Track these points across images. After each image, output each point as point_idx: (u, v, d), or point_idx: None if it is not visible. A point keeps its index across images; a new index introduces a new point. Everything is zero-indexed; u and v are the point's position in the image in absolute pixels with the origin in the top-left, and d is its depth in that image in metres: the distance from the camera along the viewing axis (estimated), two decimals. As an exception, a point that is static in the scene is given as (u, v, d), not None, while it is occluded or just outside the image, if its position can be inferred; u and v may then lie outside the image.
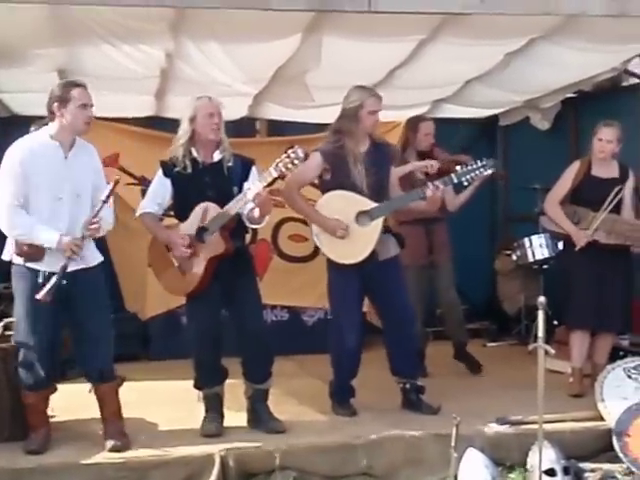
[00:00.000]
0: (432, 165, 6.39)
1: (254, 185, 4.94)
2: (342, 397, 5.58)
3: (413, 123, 6.96)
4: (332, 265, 5.49)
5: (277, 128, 8.48)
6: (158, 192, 5.27)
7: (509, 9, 4.95)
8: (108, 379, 4.96)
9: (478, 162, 5.45)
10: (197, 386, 5.34)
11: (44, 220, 4.68)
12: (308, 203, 5.68)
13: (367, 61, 6.21)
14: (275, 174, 4.90)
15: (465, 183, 5.56)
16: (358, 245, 5.36)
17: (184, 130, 5.16)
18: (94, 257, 4.90)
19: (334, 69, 6.31)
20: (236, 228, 5.15)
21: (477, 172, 5.44)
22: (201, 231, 5.11)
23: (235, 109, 7.75)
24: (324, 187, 5.53)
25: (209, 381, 5.27)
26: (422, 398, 5.60)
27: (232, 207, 5.01)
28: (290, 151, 4.88)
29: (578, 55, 6.22)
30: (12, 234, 4.74)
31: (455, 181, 5.48)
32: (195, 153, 5.18)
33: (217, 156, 5.19)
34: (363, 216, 5.35)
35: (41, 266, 4.71)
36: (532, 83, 7.19)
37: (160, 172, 5.24)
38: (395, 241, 5.57)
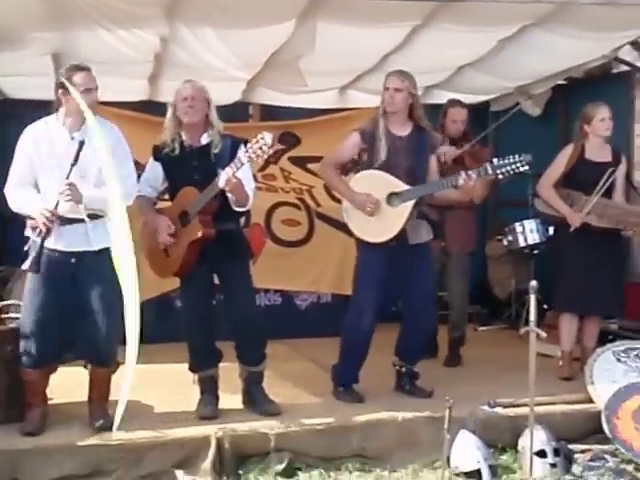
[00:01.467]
0: (445, 153, 6.33)
1: (224, 172, 4.91)
2: (347, 381, 5.57)
3: (444, 108, 6.85)
4: (360, 243, 5.50)
5: (270, 113, 8.50)
6: (150, 175, 5.36)
7: (502, -4, 5.00)
8: (107, 364, 5.00)
9: (516, 156, 5.20)
10: (192, 369, 5.38)
11: (48, 200, 4.71)
12: (341, 178, 5.70)
13: (361, 46, 6.24)
14: (245, 160, 4.85)
15: (500, 176, 5.26)
16: (385, 225, 5.35)
17: (169, 114, 5.25)
18: (99, 241, 4.83)
19: (328, 54, 6.33)
20: (225, 211, 5.13)
21: (514, 166, 5.18)
22: (184, 215, 5.17)
23: (228, 94, 7.78)
24: (361, 167, 5.54)
25: (203, 364, 5.32)
26: (416, 383, 5.64)
27: (207, 192, 5.04)
28: (259, 136, 4.80)
29: (569, 42, 6.27)
30: (15, 210, 4.84)
31: (490, 172, 5.23)
32: (184, 136, 5.23)
33: (205, 140, 5.22)
34: (394, 197, 5.34)
35: (48, 242, 4.72)
36: (524, 70, 7.23)
37: (151, 157, 5.32)
38: (429, 228, 5.56)
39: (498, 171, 5.22)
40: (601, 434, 5.11)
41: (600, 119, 6.08)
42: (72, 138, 4.82)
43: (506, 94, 8.40)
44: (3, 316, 5.35)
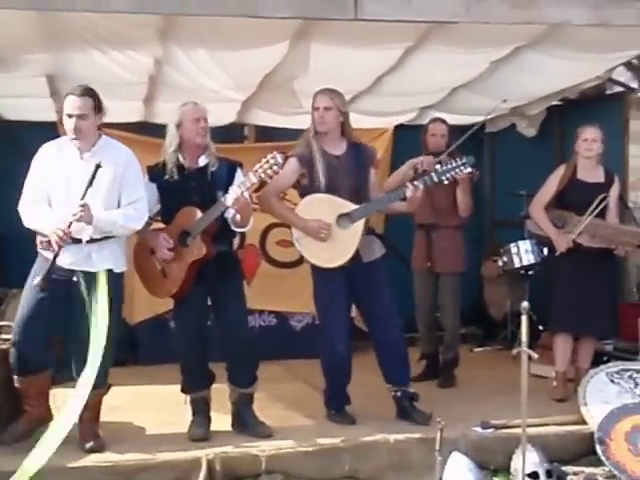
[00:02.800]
0: (422, 162, 6.42)
1: (233, 190, 4.95)
2: (338, 404, 5.54)
3: (426, 125, 6.96)
4: (316, 270, 5.46)
5: (266, 134, 8.51)
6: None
7: (493, 18, 4.98)
8: (98, 385, 4.92)
9: (458, 160, 5.36)
10: (184, 390, 5.36)
11: (60, 219, 4.74)
12: (287, 207, 5.68)
13: (354, 68, 6.26)
14: (254, 179, 4.90)
15: (445, 182, 5.39)
16: (340, 248, 5.31)
17: (172, 136, 5.22)
18: (100, 262, 4.87)
19: (322, 76, 6.31)
20: (222, 232, 5.17)
21: (457, 170, 5.32)
22: (184, 235, 5.16)
23: (224, 115, 7.80)
24: (302, 192, 5.51)
25: (196, 385, 5.30)
26: (415, 405, 5.53)
27: (212, 212, 5.05)
28: (269, 156, 4.88)
29: (563, 63, 6.28)
30: (28, 226, 4.89)
31: (435, 180, 5.33)
32: (181, 159, 5.24)
33: (202, 161, 5.25)
34: (344, 219, 5.31)
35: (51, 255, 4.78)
36: (518, 91, 7.25)
37: (146, 177, 5.29)
38: (379, 242, 5.54)
39: (443, 177, 5.33)
40: (594, 456, 5.09)
41: (583, 139, 6.10)
42: (82, 159, 4.86)
43: (501, 115, 8.40)
44: (3, 336, 5.34)
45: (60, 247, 4.68)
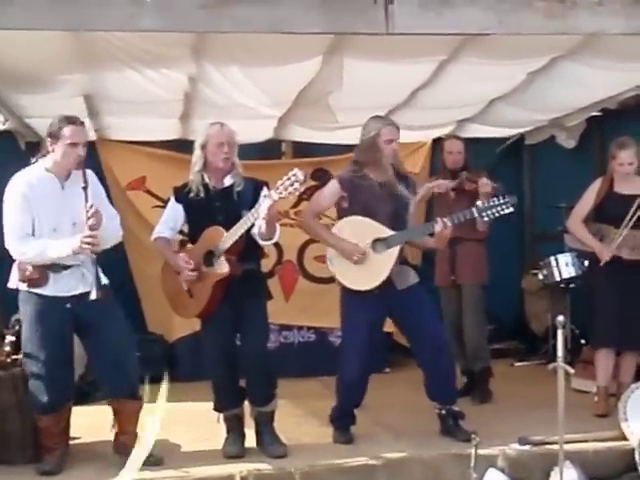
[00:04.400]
0: (439, 185, 6.44)
1: (266, 199, 4.91)
2: (342, 424, 5.48)
3: (441, 142, 6.99)
4: (345, 291, 5.43)
5: (303, 149, 8.53)
6: (170, 217, 5.36)
7: (527, 29, 4.94)
8: (135, 396, 4.99)
9: (500, 199, 5.31)
10: (216, 408, 5.36)
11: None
12: (325, 227, 5.67)
13: (389, 82, 6.24)
14: (276, 197, 4.86)
15: (485, 219, 5.39)
16: (372, 272, 5.28)
17: (197, 156, 5.23)
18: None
19: (357, 90, 6.34)
20: (248, 250, 5.14)
21: (498, 209, 5.29)
22: (209, 255, 5.16)
23: (261, 131, 7.84)
24: (341, 214, 5.49)
25: (227, 404, 5.30)
26: (460, 424, 5.46)
27: (237, 229, 5.03)
28: (290, 173, 4.84)
29: (601, 74, 6.20)
30: (25, 260, 4.81)
31: (475, 216, 5.35)
32: (207, 179, 5.24)
33: (228, 181, 5.25)
34: (379, 243, 5.29)
35: (44, 290, 4.80)
36: (556, 102, 7.17)
37: (172, 198, 5.33)
38: (414, 271, 5.50)
39: (484, 214, 5.31)
40: (634, 472, 5.00)
41: (619, 164, 6.04)
42: (62, 188, 4.87)
43: (540, 127, 8.33)
44: (15, 357, 5.33)
45: (94, 253, 4.69)
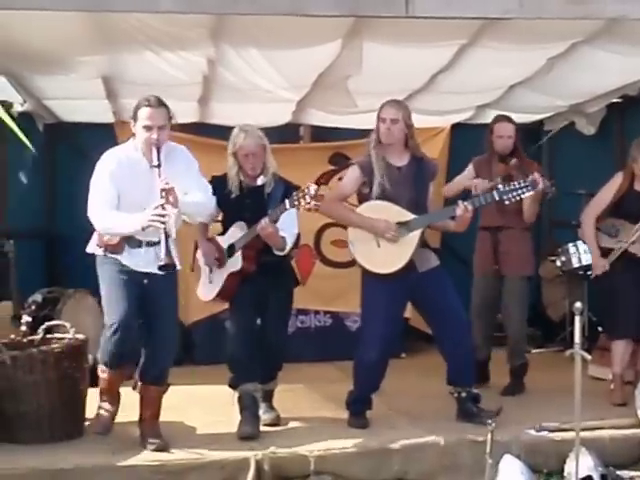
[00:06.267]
0: (476, 186, 6.25)
1: (263, 220, 5.18)
2: (358, 409, 5.47)
3: (490, 125, 6.60)
4: (366, 275, 5.41)
5: (321, 134, 8.52)
6: None
7: (548, 14, 4.89)
8: (161, 383, 5.08)
9: (521, 182, 5.32)
10: (232, 385, 5.44)
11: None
12: (351, 208, 5.65)
13: (408, 66, 6.22)
14: (288, 206, 5.12)
15: (506, 202, 5.35)
16: (395, 255, 5.28)
17: (232, 162, 5.48)
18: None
19: (376, 75, 6.31)
20: None
21: (520, 191, 5.27)
22: (230, 247, 5.45)
23: (279, 115, 7.82)
24: (362, 200, 5.48)
25: (243, 377, 5.36)
26: (480, 406, 5.48)
27: (250, 232, 5.32)
28: (305, 187, 5.07)
29: (621, 59, 6.14)
30: (106, 232, 4.91)
31: (497, 199, 5.32)
32: (242, 177, 5.48)
33: (260, 181, 5.50)
34: (401, 227, 5.29)
35: (122, 259, 4.91)
36: (576, 88, 7.12)
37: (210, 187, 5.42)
38: (434, 254, 5.49)
39: (504, 196, 5.30)
40: (651, 460, 4.98)
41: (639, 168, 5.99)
42: (151, 167, 4.84)
43: (560, 113, 8.28)
44: (49, 336, 5.41)
45: (165, 224, 4.66)
